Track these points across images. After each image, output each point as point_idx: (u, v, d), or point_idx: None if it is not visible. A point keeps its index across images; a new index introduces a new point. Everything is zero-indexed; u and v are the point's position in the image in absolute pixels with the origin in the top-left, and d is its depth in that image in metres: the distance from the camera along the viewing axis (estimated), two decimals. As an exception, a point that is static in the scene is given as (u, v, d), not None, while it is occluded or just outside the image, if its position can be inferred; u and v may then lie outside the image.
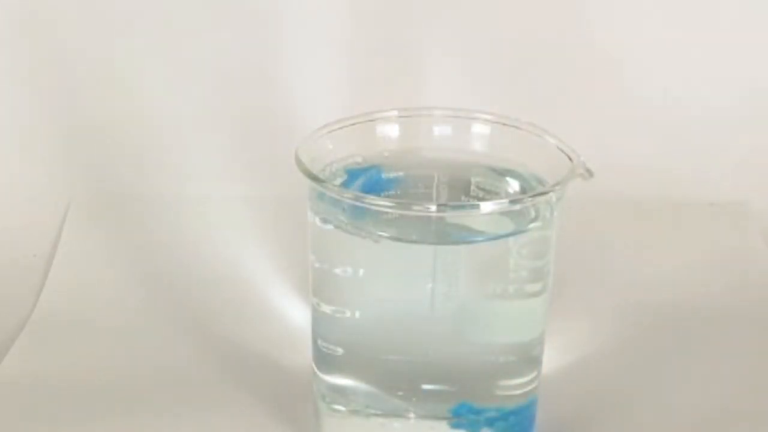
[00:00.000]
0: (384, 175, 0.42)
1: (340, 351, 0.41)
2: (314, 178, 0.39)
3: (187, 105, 0.63)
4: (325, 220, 0.40)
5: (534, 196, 0.38)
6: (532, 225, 0.39)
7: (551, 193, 0.39)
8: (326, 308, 0.41)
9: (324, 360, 0.42)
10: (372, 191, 0.41)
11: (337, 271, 0.40)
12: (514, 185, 0.42)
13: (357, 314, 0.41)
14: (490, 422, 0.41)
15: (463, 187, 0.42)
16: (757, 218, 0.61)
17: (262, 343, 0.51)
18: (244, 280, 0.56)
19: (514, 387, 0.42)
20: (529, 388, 0.42)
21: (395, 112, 0.43)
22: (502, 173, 0.42)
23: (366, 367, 0.41)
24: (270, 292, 0.55)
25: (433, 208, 0.37)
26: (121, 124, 0.63)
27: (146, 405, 0.47)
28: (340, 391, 0.42)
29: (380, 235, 0.38)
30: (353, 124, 0.42)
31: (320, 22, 0.62)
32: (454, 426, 0.41)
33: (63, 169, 0.63)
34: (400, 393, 0.41)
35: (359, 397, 0.42)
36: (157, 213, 0.61)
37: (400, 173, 0.43)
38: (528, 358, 0.42)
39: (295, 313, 0.53)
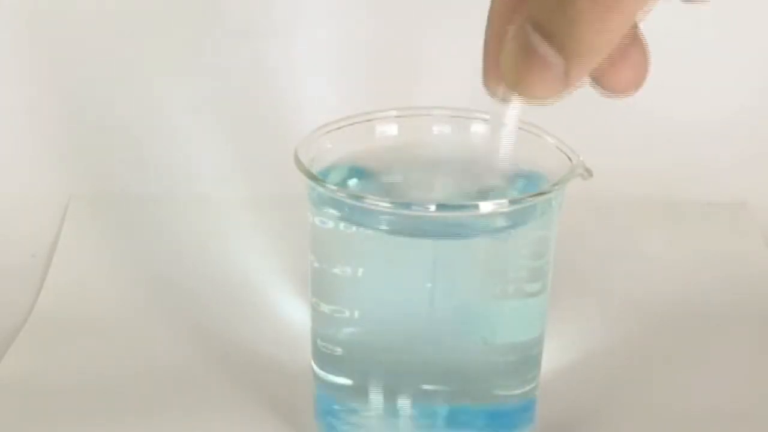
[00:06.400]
0: (383, 174, 0.42)
1: (339, 351, 0.41)
2: (313, 177, 0.39)
3: (187, 105, 0.63)
4: (324, 220, 0.40)
5: (534, 196, 0.38)
6: (530, 221, 0.39)
7: (551, 193, 0.39)
8: (326, 308, 0.41)
9: (324, 360, 0.42)
10: (371, 190, 0.41)
11: (337, 270, 0.40)
12: (513, 185, 0.42)
13: (356, 314, 0.41)
14: (489, 422, 0.41)
15: (463, 186, 0.42)
16: (757, 218, 0.61)
17: (262, 343, 0.51)
18: (244, 280, 0.56)
19: (513, 387, 0.42)
20: (529, 387, 0.42)
21: (394, 112, 0.43)
22: (502, 173, 0.42)
23: (366, 367, 0.41)
24: (270, 292, 0.55)
25: (433, 208, 0.37)
26: (121, 124, 0.63)
27: (145, 405, 0.47)
28: (340, 391, 0.42)
29: (379, 231, 0.38)
30: (353, 124, 0.42)
31: (320, 22, 0.62)
32: (454, 426, 0.41)
33: (63, 169, 0.63)
34: (400, 393, 0.41)
35: (359, 397, 0.42)
36: (157, 213, 0.61)
37: (399, 172, 0.43)
38: (527, 358, 0.42)
39: (295, 313, 0.53)
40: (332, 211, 0.39)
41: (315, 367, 0.43)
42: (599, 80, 0.31)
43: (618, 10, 0.27)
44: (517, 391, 0.42)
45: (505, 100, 0.32)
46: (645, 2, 0.27)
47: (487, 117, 0.43)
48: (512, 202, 0.38)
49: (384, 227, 0.38)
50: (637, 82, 0.31)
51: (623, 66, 0.30)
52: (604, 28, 0.27)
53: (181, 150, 0.63)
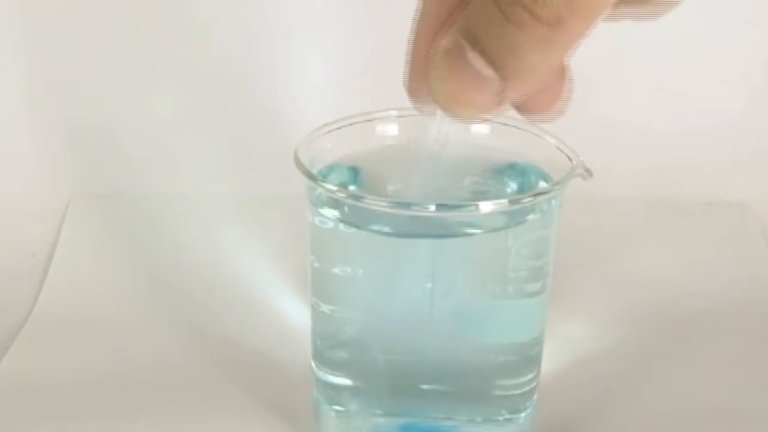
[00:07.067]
0: (384, 173, 0.42)
1: (339, 351, 0.41)
2: (313, 177, 0.39)
3: (186, 105, 0.63)
4: (324, 220, 0.40)
5: (534, 196, 0.38)
6: (530, 216, 0.39)
7: (551, 193, 0.39)
8: (325, 308, 0.41)
9: (324, 360, 0.42)
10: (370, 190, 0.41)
11: (336, 270, 0.40)
12: (512, 185, 0.42)
13: (356, 314, 0.41)
14: (489, 422, 0.41)
15: (462, 186, 0.42)
16: (757, 218, 0.61)
17: (262, 343, 0.51)
18: (244, 280, 0.56)
19: (513, 387, 0.42)
20: (529, 388, 0.42)
21: (394, 112, 0.43)
22: (502, 172, 0.42)
23: (366, 367, 0.41)
24: (270, 292, 0.55)
25: (433, 208, 0.37)
26: (121, 124, 0.63)
27: (145, 405, 0.47)
28: (340, 391, 0.42)
29: (378, 231, 0.38)
30: (352, 124, 0.42)
31: (320, 21, 0.62)
32: (454, 426, 0.41)
33: (62, 169, 0.63)
34: (400, 393, 0.41)
35: (359, 397, 0.42)
36: (157, 213, 0.61)
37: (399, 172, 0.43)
38: (527, 358, 0.42)
39: (295, 313, 0.53)
40: (332, 212, 0.39)
41: (315, 367, 0.43)
42: (521, 105, 0.30)
43: (563, 29, 0.26)
44: (517, 391, 0.42)
45: (427, 110, 0.31)
46: (591, 22, 0.26)
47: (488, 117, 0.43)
48: (512, 201, 0.38)
49: (384, 227, 0.38)
50: (559, 108, 0.30)
51: (544, 91, 0.29)
52: (547, 47, 0.26)
53: (181, 150, 0.63)
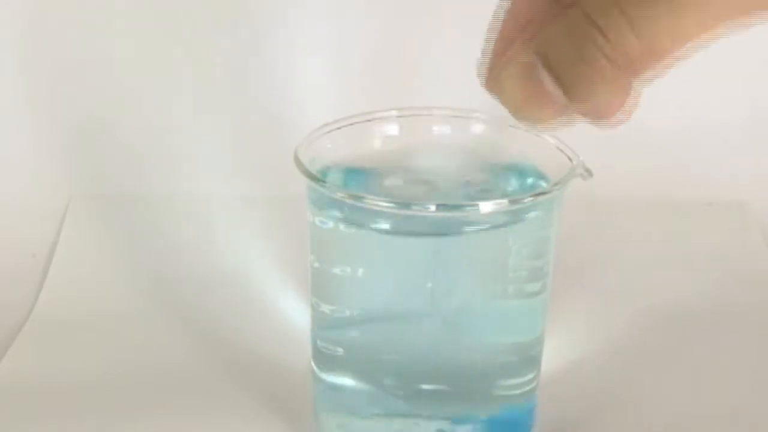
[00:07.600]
0: (383, 174, 0.42)
1: (339, 351, 0.41)
2: (313, 177, 0.39)
3: (187, 105, 0.63)
4: (324, 220, 0.40)
5: (534, 196, 0.38)
6: (530, 216, 0.39)
7: (551, 193, 0.39)
8: (326, 308, 0.41)
9: (324, 360, 0.42)
10: (370, 191, 0.41)
11: (337, 270, 0.40)
12: (513, 184, 0.42)
13: (356, 314, 0.41)
14: (489, 422, 0.41)
15: (462, 186, 0.42)
16: (757, 218, 0.61)
17: (262, 343, 0.51)
18: (244, 280, 0.56)
19: (513, 387, 0.42)
20: (529, 388, 0.42)
21: (394, 112, 0.43)
22: (502, 171, 0.42)
23: (366, 367, 0.41)
24: (270, 292, 0.55)
25: (433, 208, 0.37)
26: (121, 124, 0.63)
27: (145, 405, 0.47)
28: (340, 391, 0.42)
29: (378, 230, 0.38)
30: (352, 124, 0.42)
31: (320, 21, 0.62)
32: (454, 426, 0.41)
33: (62, 169, 0.63)
34: (400, 393, 0.41)
35: (359, 397, 0.42)
36: (157, 213, 0.61)
37: (399, 172, 0.43)
38: (527, 358, 0.42)
39: (295, 313, 0.53)
40: (332, 211, 0.39)
41: (315, 367, 0.43)
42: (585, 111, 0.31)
43: (633, 69, 0.28)
44: (517, 391, 0.42)
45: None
46: (660, 61, 0.28)
47: (488, 117, 0.43)
48: (512, 201, 0.38)
49: (384, 227, 0.38)
50: (628, 114, 0.31)
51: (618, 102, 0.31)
52: (616, 84, 0.28)
53: (181, 150, 0.63)
